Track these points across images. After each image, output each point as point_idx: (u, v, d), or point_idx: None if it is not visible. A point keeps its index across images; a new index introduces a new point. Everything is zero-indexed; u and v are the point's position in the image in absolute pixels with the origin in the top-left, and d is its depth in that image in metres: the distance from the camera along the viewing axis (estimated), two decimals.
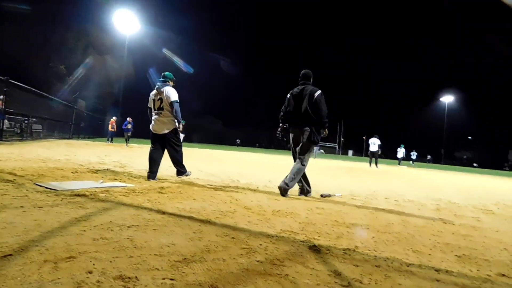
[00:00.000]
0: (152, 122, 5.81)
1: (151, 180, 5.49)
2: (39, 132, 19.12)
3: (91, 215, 2.86)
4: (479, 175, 22.67)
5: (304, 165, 5.13)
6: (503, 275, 2.19)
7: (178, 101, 5.73)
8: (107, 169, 6.44)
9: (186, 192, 4.49)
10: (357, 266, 2.13)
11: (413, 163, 35.50)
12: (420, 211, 4.61)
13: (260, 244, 2.42)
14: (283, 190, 4.95)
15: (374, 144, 18.59)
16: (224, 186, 5.46)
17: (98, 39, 36.73)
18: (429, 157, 37.64)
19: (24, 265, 1.72)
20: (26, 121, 16.53)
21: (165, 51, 49.44)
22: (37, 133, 18.56)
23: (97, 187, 4.26)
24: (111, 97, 41.12)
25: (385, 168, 19.57)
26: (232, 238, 2.52)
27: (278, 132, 5.46)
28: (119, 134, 23.78)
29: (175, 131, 5.81)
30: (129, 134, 22.56)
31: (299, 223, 3.27)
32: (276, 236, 2.70)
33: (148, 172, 5.64)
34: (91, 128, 33.34)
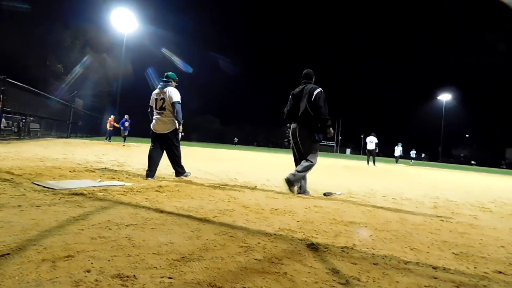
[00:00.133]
0: (154, 121, 5.82)
1: (149, 178, 5.48)
2: (37, 131, 19.08)
3: (89, 214, 2.86)
4: (476, 173, 22.75)
5: (313, 161, 5.15)
6: (500, 272, 2.20)
7: (180, 102, 5.75)
8: (105, 168, 6.43)
9: (184, 191, 4.49)
10: (355, 264, 2.14)
11: (412, 161, 35.60)
12: (418, 209, 4.62)
13: (258, 243, 2.42)
14: (289, 182, 4.98)
15: (371, 142, 18.63)
16: (222, 185, 5.46)
17: (96, 38, 36.62)
18: (423, 155, 37.86)
19: (22, 264, 1.71)
20: (24, 120, 16.48)
21: (164, 50, 49.38)
22: (34, 132, 18.52)
23: (95, 186, 4.25)
24: (109, 96, 41.04)
25: (383, 167, 19.61)
26: (230, 236, 2.53)
27: (287, 132, 5.48)
28: (118, 133, 23.54)
29: (175, 132, 5.82)
30: (126, 134, 22.16)
31: (297, 221, 3.28)
32: (274, 234, 2.70)
33: (146, 171, 5.64)
34: (89, 127, 33.26)
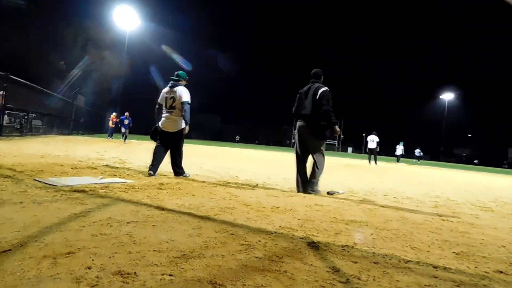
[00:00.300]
0: (163, 119, 5.85)
1: (151, 172, 5.54)
2: (39, 127, 19.11)
3: (90, 211, 2.86)
4: (477, 173, 22.71)
5: (320, 162, 5.19)
6: (501, 272, 2.20)
7: (190, 102, 5.78)
8: (107, 165, 6.44)
9: (185, 189, 4.49)
10: (356, 262, 2.14)
11: (418, 160, 35.52)
12: (418, 208, 4.61)
13: (259, 241, 2.42)
14: (313, 192, 5.06)
15: (372, 141, 18.61)
16: (223, 183, 5.47)
17: (98, 35, 36.62)
18: (421, 154, 38.05)
19: (23, 260, 1.72)
20: (26, 117, 16.52)
21: (165, 47, 49.29)
22: (36, 129, 18.55)
23: (96, 183, 4.26)
24: (111, 93, 41.06)
25: (384, 165, 19.59)
26: (231, 234, 2.53)
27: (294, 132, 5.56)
28: (119, 130, 23.45)
29: (183, 131, 5.87)
30: (126, 133, 21.51)
31: (298, 219, 3.28)
32: (275, 232, 2.70)
33: (150, 165, 5.68)
34: (90, 124, 33.32)
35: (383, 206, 4.53)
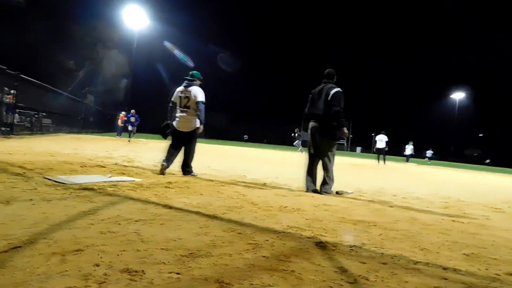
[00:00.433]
0: (177, 119, 5.90)
1: (164, 163, 5.64)
2: (49, 126, 19.31)
3: (99, 208, 2.88)
4: (489, 173, 22.42)
5: (330, 161, 5.22)
6: None
7: (205, 102, 5.83)
8: (115, 164, 6.48)
9: (193, 187, 4.50)
10: (364, 263, 2.12)
11: (429, 160, 35.21)
12: (428, 209, 4.57)
13: (266, 240, 2.41)
14: (325, 193, 5.07)
15: (381, 141, 18.47)
16: (231, 182, 5.47)
17: (107, 34, 36.87)
18: (432, 155, 37.75)
19: (32, 257, 1.74)
20: (36, 116, 16.71)
21: (172, 46, 49.40)
22: (46, 128, 18.75)
23: (105, 181, 4.29)
24: (120, 92, 41.33)
25: (393, 165, 19.44)
26: (239, 233, 2.52)
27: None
28: (128, 128, 23.51)
29: (196, 131, 5.92)
30: (133, 131, 20.96)
31: (306, 219, 3.26)
32: (283, 232, 2.70)
33: (164, 159, 5.76)
34: (100, 123, 33.58)
35: (391, 206, 4.49)
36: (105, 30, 36.33)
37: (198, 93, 5.80)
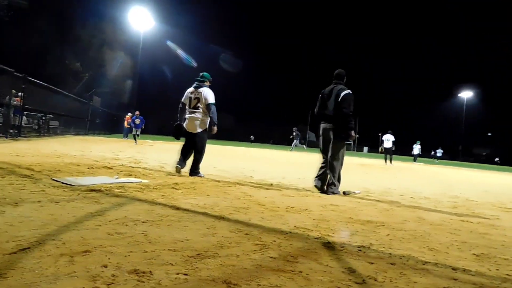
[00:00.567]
0: (186, 120, 5.96)
1: (178, 166, 5.79)
2: (56, 128, 19.48)
3: (106, 210, 2.90)
4: (498, 172, 22.19)
5: (338, 161, 5.25)
6: None
7: (215, 103, 5.88)
8: (122, 165, 6.51)
9: (200, 188, 4.51)
10: (372, 263, 2.10)
11: (437, 160, 35.01)
12: (436, 208, 4.53)
13: (274, 240, 2.41)
14: (332, 193, 5.07)
15: (388, 140, 18.36)
16: (237, 182, 5.47)
17: (113, 36, 37.09)
18: (432, 152, 37.44)
19: (41, 258, 1.74)
20: (43, 118, 16.85)
21: (176, 47, 49.59)
22: (54, 129, 18.91)
23: (112, 183, 4.31)
24: (126, 94, 41.55)
25: (401, 165, 19.32)
26: (246, 234, 2.52)
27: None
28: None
29: (205, 132, 5.96)
30: (138, 132, 20.22)
31: (313, 219, 3.25)
32: (290, 232, 2.69)
33: (177, 161, 5.91)
34: (106, 125, 33.79)
35: (399, 206, 4.46)
36: (111, 32, 36.55)
37: (208, 95, 5.85)
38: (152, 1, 38.21)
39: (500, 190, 8.43)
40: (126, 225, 2.48)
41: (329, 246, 2.39)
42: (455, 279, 1.94)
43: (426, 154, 34.62)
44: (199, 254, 2.00)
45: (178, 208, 3.20)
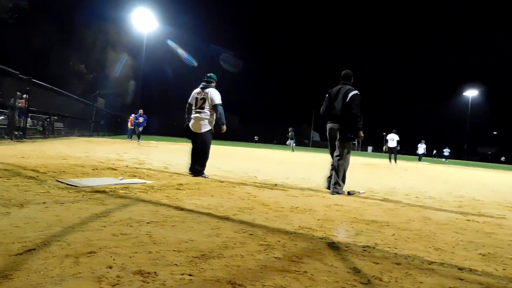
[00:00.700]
0: (192, 120, 6.00)
1: (191, 174, 5.83)
2: (61, 129, 19.57)
3: (111, 211, 2.90)
4: (504, 172, 22.04)
5: (344, 161, 5.26)
6: None
7: (222, 103, 5.93)
8: (126, 166, 6.53)
9: (204, 189, 4.51)
10: (377, 263, 2.09)
11: (446, 160, 34.87)
12: (442, 208, 4.50)
13: (278, 241, 2.40)
14: (337, 194, 5.06)
15: (392, 140, 18.28)
16: (241, 183, 5.47)
17: (116, 38, 37.23)
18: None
19: (46, 259, 1.75)
20: (48, 119, 16.93)
21: (179, 48, 49.68)
22: (58, 131, 19.00)
23: (116, 184, 4.32)
24: (130, 95, 41.68)
25: (405, 164, 19.24)
26: (250, 234, 2.52)
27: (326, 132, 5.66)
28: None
29: (210, 132, 6.00)
30: (140, 129, 19.98)
31: (318, 219, 3.24)
32: (294, 232, 2.68)
33: (189, 167, 5.97)
34: (110, 126, 33.88)
35: (404, 206, 4.44)
36: (115, 33, 36.70)
37: (215, 95, 5.89)
38: (154, 2, 38.31)
39: (506, 190, 8.37)
40: (131, 226, 2.49)
41: (334, 246, 2.38)
42: (461, 279, 1.93)
43: (429, 153, 34.53)
44: (203, 254, 2.00)
45: (182, 209, 3.20)
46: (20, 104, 13.13)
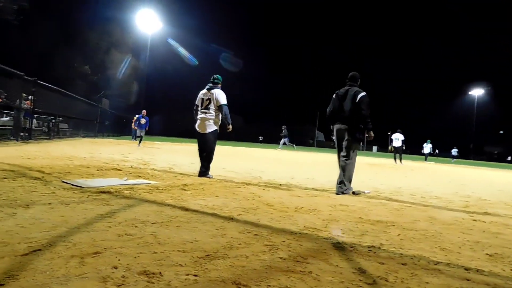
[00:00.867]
0: (198, 121, 6.05)
1: (203, 175, 5.83)
2: (66, 130, 19.66)
3: (116, 211, 2.91)
4: (510, 171, 21.86)
5: (350, 161, 5.27)
6: None
7: (227, 104, 5.97)
8: (131, 167, 6.55)
9: (209, 189, 4.51)
10: (383, 263, 2.08)
11: (453, 159, 34.72)
12: (448, 208, 4.47)
13: (283, 241, 2.40)
14: (342, 194, 5.07)
15: (397, 139, 18.20)
16: (246, 183, 5.46)
17: (121, 39, 37.39)
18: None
19: (52, 259, 1.76)
20: (53, 120, 17.03)
21: (182, 48, 49.75)
22: (63, 132, 19.09)
23: (121, 184, 4.33)
24: (134, 96, 41.83)
25: (411, 164, 19.14)
26: (255, 235, 2.51)
27: (332, 137, 5.65)
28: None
29: (215, 133, 6.04)
30: (142, 133, 18.26)
31: (322, 220, 3.23)
32: (299, 233, 2.67)
33: (201, 166, 5.97)
34: (115, 127, 34.02)
35: (410, 206, 4.42)
36: (119, 34, 36.86)
37: (220, 96, 5.94)
38: (158, 3, 38.38)
39: None
40: (136, 226, 2.49)
41: (339, 246, 2.37)
42: (468, 280, 1.91)
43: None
44: (208, 255, 2.00)
45: (187, 209, 3.20)
46: (25, 106, 13.22)
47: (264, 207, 3.62)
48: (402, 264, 2.10)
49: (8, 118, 13.47)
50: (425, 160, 27.38)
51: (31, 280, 1.51)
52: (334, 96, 5.49)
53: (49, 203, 3.01)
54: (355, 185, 5.55)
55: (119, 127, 35.39)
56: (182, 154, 11.97)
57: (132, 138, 24.51)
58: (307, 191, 5.15)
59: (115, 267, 1.71)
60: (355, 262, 2.08)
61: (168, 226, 2.57)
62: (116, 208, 3.05)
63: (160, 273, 1.68)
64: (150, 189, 4.13)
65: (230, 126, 6.09)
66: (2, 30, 25.42)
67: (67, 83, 26.02)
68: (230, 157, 12.78)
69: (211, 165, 6.04)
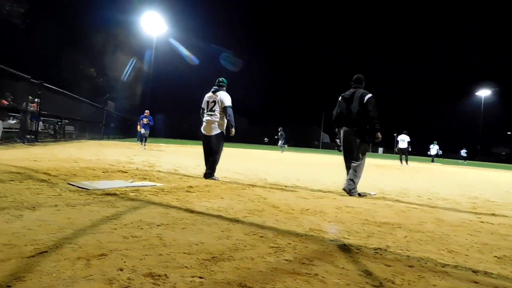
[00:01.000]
0: (204, 123, 6.08)
1: (208, 178, 5.84)
2: (72, 133, 19.76)
3: (122, 213, 2.92)
4: None
5: (360, 163, 5.28)
6: None
7: (231, 106, 5.99)
8: (137, 169, 6.57)
9: (214, 191, 4.51)
10: (389, 266, 2.06)
11: (465, 161, 34.53)
12: (455, 210, 4.44)
13: (289, 243, 2.39)
14: (349, 191, 5.10)
15: (403, 141, 18.12)
16: (251, 185, 5.46)
17: (126, 41, 37.57)
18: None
19: (58, 261, 1.76)
20: (59, 123, 17.13)
21: (187, 51, 49.93)
22: (69, 134, 19.19)
23: (127, 187, 4.34)
24: (140, 98, 42.00)
25: (417, 166, 19.03)
26: (260, 237, 2.51)
27: (337, 139, 5.67)
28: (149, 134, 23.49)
29: (221, 135, 6.04)
30: (146, 134, 17.80)
31: (328, 222, 3.22)
32: (305, 235, 2.66)
33: (206, 169, 5.99)
34: (121, 129, 34.18)
35: (416, 208, 4.38)
36: (124, 37, 37.05)
37: (224, 98, 5.95)
38: (163, 6, 38.57)
39: None
40: (141, 228, 2.49)
41: (345, 248, 2.36)
42: (476, 282, 1.89)
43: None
44: (214, 257, 1.99)
45: (192, 211, 3.20)
46: (32, 108, 13.32)
47: (270, 209, 3.62)
48: (409, 266, 2.08)
49: (15, 121, 13.56)
50: (432, 161, 27.22)
51: (37, 282, 1.52)
52: (340, 99, 5.47)
53: (55, 205, 3.03)
54: (361, 186, 5.52)
55: (124, 129, 35.55)
56: (187, 156, 12.00)
57: (138, 141, 24.55)
58: (312, 192, 5.13)
59: (121, 269, 1.71)
60: (361, 264, 2.06)
61: (173, 228, 2.57)
62: (121, 210, 3.05)
63: (165, 275, 1.68)
64: (155, 191, 4.13)
65: (233, 130, 6.06)
66: (9, 33, 25.65)
67: (73, 85, 26.16)
68: (235, 159, 12.78)
69: (217, 166, 6.04)
